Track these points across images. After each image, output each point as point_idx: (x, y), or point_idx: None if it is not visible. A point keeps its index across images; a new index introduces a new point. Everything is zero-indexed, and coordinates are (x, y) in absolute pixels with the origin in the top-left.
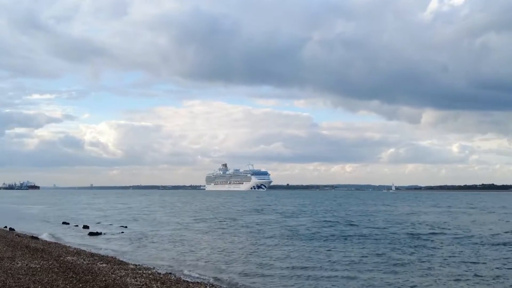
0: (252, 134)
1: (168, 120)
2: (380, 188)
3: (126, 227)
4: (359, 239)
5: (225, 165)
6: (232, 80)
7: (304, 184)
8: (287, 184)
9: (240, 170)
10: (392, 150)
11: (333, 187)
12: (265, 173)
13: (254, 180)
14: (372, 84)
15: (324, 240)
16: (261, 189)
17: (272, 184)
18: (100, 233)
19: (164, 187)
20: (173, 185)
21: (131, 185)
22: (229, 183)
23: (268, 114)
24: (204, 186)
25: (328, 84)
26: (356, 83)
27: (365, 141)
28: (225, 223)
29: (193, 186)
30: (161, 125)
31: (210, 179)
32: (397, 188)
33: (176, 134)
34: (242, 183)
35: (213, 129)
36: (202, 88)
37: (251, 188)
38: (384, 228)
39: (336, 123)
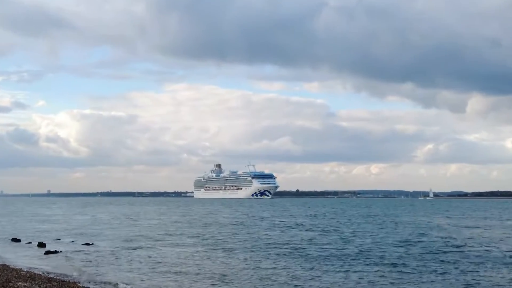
0: (253, 126)
1: (146, 109)
2: (414, 194)
3: (92, 244)
4: (383, 260)
5: (218, 165)
6: (227, 57)
7: (318, 189)
8: (297, 190)
9: (238, 172)
10: (430, 146)
11: (355, 193)
12: (270, 176)
13: (256, 185)
14: (404, 62)
15: (336, 261)
16: (265, 196)
17: (278, 189)
18: (60, 252)
19: (141, 194)
20: (152, 191)
21: (99, 191)
22: (224, 189)
23: (272, 101)
24: (192, 192)
25: (348, 63)
26: (383, 61)
27: (396, 135)
28: (215, 239)
29: (178, 192)
30: (137, 115)
31: (199, 184)
32: (436, 195)
33: (156, 126)
34: (241, 189)
35: (203, 120)
36: (189, 68)
37: (252, 195)
38: (419, 247)
39: (359, 112)
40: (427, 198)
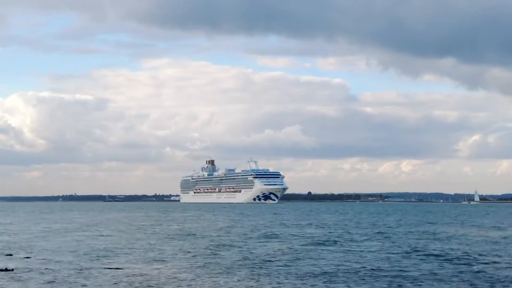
0: (253, 112)
1: (119, 91)
2: (456, 198)
3: (51, 260)
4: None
5: (211, 162)
6: (220, 26)
7: (336, 192)
8: (309, 193)
9: (236, 171)
10: (476, 137)
11: (381, 196)
12: (276, 175)
13: (259, 187)
14: (444, 32)
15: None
16: (270, 201)
17: (286, 192)
18: (11, 270)
19: (113, 198)
20: (127, 194)
21: (61, 194)
22: (219, 191)
23: (277, 80)
24: (178, 195)
25: (372, 33)
26: (417, 30)
27: (433, 124)
28: (208, 255)
29: (159, 196)
30: (108, 98)
31: (187, 185)
32: (484, 198)
33: (132, 113)
34: (240, 191)
35: (190, 104)
36: (173, 39)
37: (254, 199)
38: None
39: (387, 94)
40: (471, 202)
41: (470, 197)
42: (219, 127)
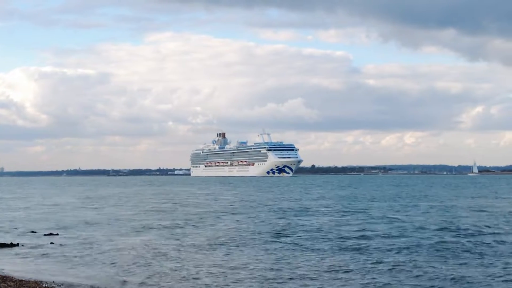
0: (255, 86)
1: (121, 65)
2: (460, 169)
3: (57, 234)
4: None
5: (222, 135)
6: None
7: (339, 165)
8: (312, 166)
9: (248, 144)
10: (478, 109)
11: (385, 169)
12: (291, 148)
13: (273, 160)
14: (444, 3)
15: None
16: (285, 174)
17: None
18: (17, 245)
19: (117, 172)
20: (131, 168)
21: (65, 169)
22: (231, 165)
23: (279, 53)
24: (181, 169)
25: (371, 3)
26: (417, 2)
27: (436, 96)
28: (229, 229)
29: (163, 169)
30: (110, 73)
31: (198, 159)
32: (486, 170)
33: (134, 87)
34: (253, 165)
35: (193, 78)
36: (174, 12)
37: (268, 173)
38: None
39: (389, 66)
40: (470, 174)
41: (471, 169)
42: (222, 101)
